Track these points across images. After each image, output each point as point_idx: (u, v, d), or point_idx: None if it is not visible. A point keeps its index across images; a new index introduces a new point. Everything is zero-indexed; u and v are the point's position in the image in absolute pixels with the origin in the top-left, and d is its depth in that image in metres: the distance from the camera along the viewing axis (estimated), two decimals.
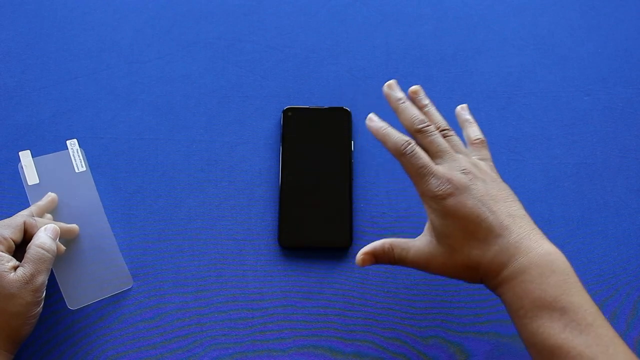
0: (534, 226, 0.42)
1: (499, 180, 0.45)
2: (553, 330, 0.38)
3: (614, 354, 0.37)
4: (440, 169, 0.43)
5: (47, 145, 0.58)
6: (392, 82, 0.48)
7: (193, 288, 0.54)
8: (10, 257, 0.46)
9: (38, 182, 0.52)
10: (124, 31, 0.63)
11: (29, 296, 0.45)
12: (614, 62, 0.63)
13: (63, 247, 0.51)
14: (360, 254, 0.46)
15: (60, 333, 0.52)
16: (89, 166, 0.54)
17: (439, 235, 0.43)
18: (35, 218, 0.50)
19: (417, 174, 0.43)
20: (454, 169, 0.43)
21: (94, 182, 0.54)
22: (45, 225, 0.49)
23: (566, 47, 0.64)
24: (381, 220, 0.57)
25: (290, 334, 0.53)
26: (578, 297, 0.39)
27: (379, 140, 0.45)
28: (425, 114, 0.48)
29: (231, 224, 0.56)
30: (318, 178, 0.57)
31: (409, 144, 0.44)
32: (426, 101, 0.49)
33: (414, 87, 0.49)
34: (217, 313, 0.53)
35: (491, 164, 0.47)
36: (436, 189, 0.42)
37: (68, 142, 0.54)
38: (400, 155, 0.44)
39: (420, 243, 0.44)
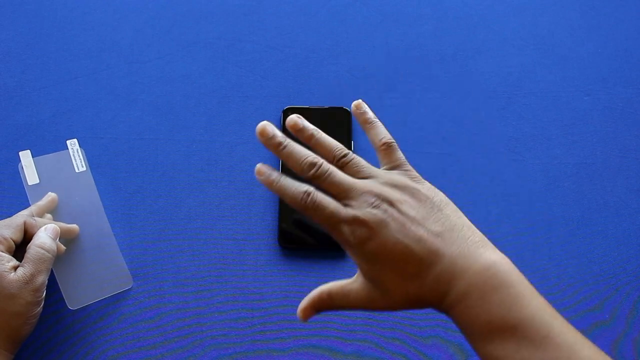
0: (467, 234, 0.38)
1: (419, 188, 0.40)
2: (507, 351, 0.35)
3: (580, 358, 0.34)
4: (349, 212, 0.38)
5: (47, 145, 0.58)
6: (264, 126, 0.41)
7: (193, 288, 0.54)
8: (11, 257, 0.46)
9: (38, 182, 0.52)
10: (124, 31, 0.63)
11: (29, 296, 0.45)
12: (614, 62, 0.63)
13: (63, 247, 0.51)
14: (299, 310, 0.41)
15: (61, 333, 0.52)
16: (89, 166, 0.54)
17: (371, 279, 0.38)
18: (36, 218, 0.50)
19: (328, 225, 0.38)
20: (364, 206, 0.38)
21: (94, 182, 0.54)
22: (45, 225, 0.49)
23: (566, 47, 0.64)
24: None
25: (290, 334, 0.53)
26: (526, 309, 0.36)
27: (276, 194, 0.40)
28: (313, 146, 0.42)
29: (231, 224, 0.56)
30: None
31: (308, 195, 0.38)
32: (308, 131, 0.43)
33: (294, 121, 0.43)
34: (217, 313, 0.53)
35: (407, 168, 0.42)
36: (351, 237, 0.37)
37: (68, 142, 0.54)
38: (302, 209, 0.38)
39: (358, 286, 0.39)
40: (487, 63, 0.63)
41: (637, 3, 0.66)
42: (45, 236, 0.48)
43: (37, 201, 0.51)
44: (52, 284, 0.51)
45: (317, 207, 0.38)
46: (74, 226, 0.52)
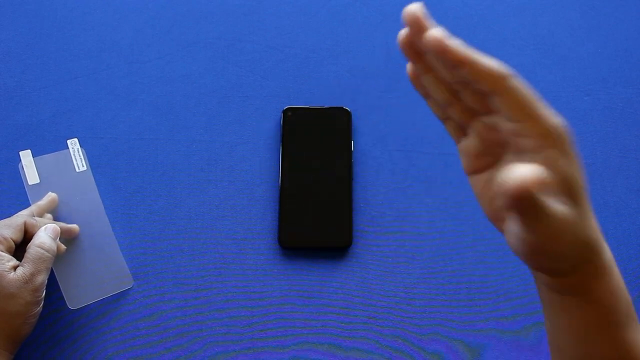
0: None
1: None
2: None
3: None
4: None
5: (47, 145, 0.58)
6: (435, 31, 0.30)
7: (193, 287, 0.54)
8: (10, 257, 0.46)
9: (38, 181, 0.52)
10: (124, 31, 0.63)
11: (28, 296, 0.45)
12: (614, 62, 0.63)
13: (63, 247, 0.51)
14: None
15: (60, 331, 0.52)
16: (90, 165, 0.54)
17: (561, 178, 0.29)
18: (36, 218, 0.50)
19: (533, 105, 0.29)
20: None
21: (95, 181, 0.54)
22: (46, 225, 0.49)
23: (566, 47, 0.64)
24: (381, 220, 0.57)
25: (290, 333, 0.53)
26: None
27: (459, 62, 0.30)
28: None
29: (231, 224, 0.56)
30: (318, 178, 0.57)
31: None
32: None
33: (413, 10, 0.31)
34: (217, 312, 0.53)
35: None
36: (560, 128, 0.29)
37: (69, 141, 0.54)
38: (506, 78, 0.29)
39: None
40: None
41: (637, 3, 0.66)
42: (45, 236, 0.48)
43: (37, 201, 0.51)
44: (52, 283, 0.51)
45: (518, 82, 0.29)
46: (74, 226, 0.52)
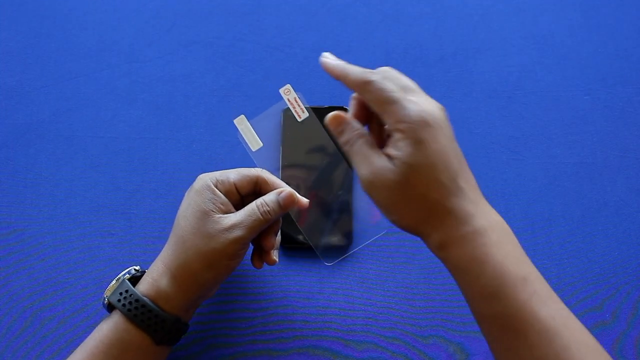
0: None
1: None
2: (517, 301, 0.34)
3: (574, 330, 0.35)
4: (414, 96, 0.38)
5: (47, 144, 0.58)
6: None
7: None
8: (227, 201, 0.45)
9: (262, 145, 0.48)
10: (124, 31, 0.63)
11: (222, 244, 0.43)
12: (614, 62, 0.63)
13: (305, 201, 0.48)
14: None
15: (66, 334, 0.52)
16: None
17: (405, 161, 0.37)
18: (274, 178, 0.47)
19: (389, 100, 0.37)
20: (430, 102, 0.38)
21: (94, 181, 0.54)
22: (283, 189, 0.46)
23: (566, 47, 0.64)
24: (381, 220, 0.57)
25: (290, 334, 0.53)
26: (533, 268, 0.36)
27: (338, 79, 0.40)
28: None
29: None
30: (318, 178, 0.57)
31: (378, 71, 0.39)
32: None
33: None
34: (217, 313, 0.53)
35: None
36: (414, 114, 0.36)
37: (281, 90, 0.48)
38: (366, 83, 0.38)
39: (381, 160, 0.38)
40: (487, 63, 0.63)
41: (637, 3, 0.66)
42: (272, 197, 0.45)
43: (264, 165, 0.49)
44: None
45: (383, 80, 0.38)
46: (305, 201, 0.48)
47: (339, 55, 0.63)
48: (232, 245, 0.43)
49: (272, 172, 0.49)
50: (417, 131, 0.36)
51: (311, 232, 0.52)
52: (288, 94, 0.48)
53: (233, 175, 0.46)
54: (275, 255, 0.48)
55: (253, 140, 0.49)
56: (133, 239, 0.55)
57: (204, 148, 0.59)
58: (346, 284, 0.55)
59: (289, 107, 0.59)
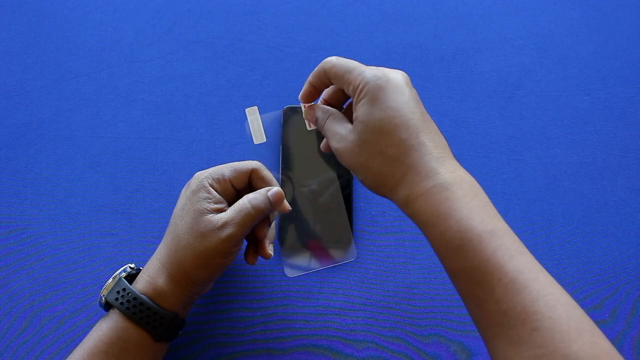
0: (446, 145, 0.40)
1: None
2: (483, 254, 0.34)
3: (544, 283, 0.34)
4: (373, 67, 0.41)
5: (47, 144, 0.58)
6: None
7: None
8: (221, 198, 0.45)
9: (265, 140, 0.49)
10: (125, 30, 0.63)
11: (215, 242, 0.43)
12: (614, 62, 0.63)
13: (288, 207, 0.48)
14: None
15: (66, 334, 0.52)
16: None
17: (362, 121, 0.39)
18: (267, 173, 0.47)
19: (347, 68, 0.41)
20: (390, 69, 0.41)
21: (94, 181, 0.54)
22: (272, 187, 0.47)
23: (566, 47, 0.64)
24: (381, 219, 0.57)
25: (290, 334, 0.53)
26: (502, 223, 0.36)
27: (312, 84, 0.45)
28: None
29: None
30: (318, 177, 0.57)
31: (332, 57, 0.43)
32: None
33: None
34: (217, 312, 0.53)
35: None
36: (369, 75, 0.39)
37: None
38: (326, 62, 0.42)
39: (351, 127, 0.41)
40: (487, 62, 0.63)
41: (637, 3, 0.66)
42: (261, 193, 0.46)
43: (262, 159, 0.49)
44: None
45: (340, 60, 0.42)
46: (288, 207, 0.48)
47: (339, 55, 0.63)
48: (224, 243, 0.44)
49: (269, 169, 0.49)
50: (372, 91, 0.38)
51: (285, 242, 0.54)
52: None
53: (227, 171, 0.47)
54: (270, 249, 0.48)
55: (258, 133, 0.49)
56: (133, 239, 0.55)
57: (204, 148, 0.59)
58: (346, 284, 0.55)
59: (288, 107, 0.59)
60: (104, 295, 0.45)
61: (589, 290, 0.54)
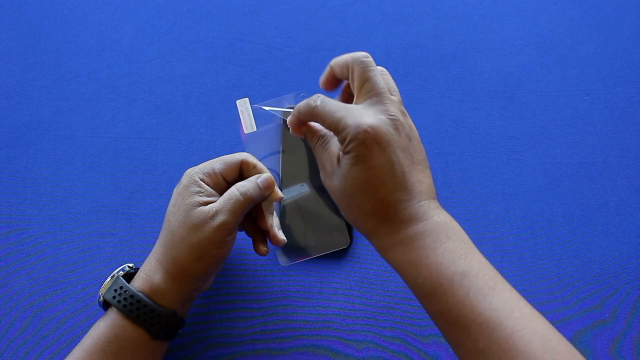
0: (434, 196, 0.41)
1: (418, 139, 0.42)
2: (455, 297, 0.36)
3: (519, 318, 0.35)
4: (357, 111, 0.40)
5: (47, 144, 0.58)
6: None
7: None
8: (213, 192, 0.46)
9: (254, 129, 0.50)
10: (125, 31, 0.63)
11: (208, 232, 0.43)
12: (614, 62, 0.63)
13: (280, 195, 0.48)
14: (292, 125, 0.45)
15: (66, 334, 0.52)
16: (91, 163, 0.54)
17: (344, 175, 0.40)
18: (257, 163, 0.48)
19: (333, 121, 0.40)
20: (375, 114, 0.39)
21: (94, 181, 0.54)
22: (261, 174, 0.47)
23: (566, 47, 0.64)
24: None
25: (290, 334, 0.53)
26: (476, 262, 0.37)
27: (300, 118, 0.44)
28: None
29: None
30: (318, 177, 0.57)
31: (318, 96, 0.42)
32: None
33: None
34: (217, 312, 0.53)
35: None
36: (353, 132, 0.38)
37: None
38: (313, 109, 0.41)
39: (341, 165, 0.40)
40: (487, 63, 0.63)
41: (637, 3, 0.66)
42: (251, 181, 0.46)
43: (252, 150, 0.49)
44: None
45: (325, 102, 0.41)
46: (280, 195, 0.49)
47: (338, 55, 0.63)
48: (217, 232, 0.44)
49: (260, 159, 0.49)
50: (356, 149, 0.38)
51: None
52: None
53: (218, 165, 0.47)
54: (281, 234, 0.48)
55: (248, 123, 0.51)
56: (133, 239, 0.55)
57: (204, 148, 0.59)
58: (346, 284, 0.55)
59: (288, 107, 0.59)
60: (102, 294, 0.45)
61: (589, 290, 0.54)
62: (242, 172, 0.48)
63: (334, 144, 0.42)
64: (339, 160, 0.40)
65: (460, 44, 0.64)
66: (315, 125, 0.44)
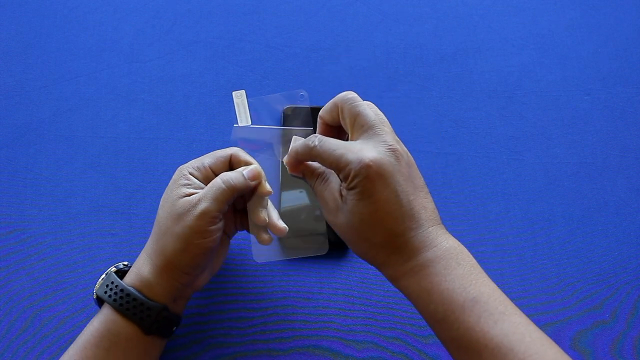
0: (440, 221, 0.41)
1: (415, 166, 0.42)
2: (467, 323, 0.37)
3: (530, 342, 0.36)
4: (357, 146, 0.40)
5: (47, 144, 0.58)
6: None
7: None
8: (201, 185, 0.45)
9: (249, 123, 0.51)
10: (125, 30, 0.63)
11: (191, 220, 0.43)
12: (614, 62, 0.63)
13: (268, 189, 0.48)
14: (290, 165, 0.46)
15: (66, 334, 0.52)
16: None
17: (351, 210, 0.40)
18: (246, 156, 0.48)
19: (333, 159, 0.40)
20: (375, 148, 0.40)
21: (94, 181, 0.54)
22: (247, 166, 0.47)
23: (566, 47, 0.64)
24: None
25: (290, 334, 0.53)
26: (486, 287, 0.38)
27: (298, 158, 0.44)
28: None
29: None
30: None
31: (316, 136, 0.42)
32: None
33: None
34: (217, 313, 0.53)
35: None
36: (355, 169, 0.39)
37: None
38: (312, 150, 0.42)
39: (346, 203, 0.41)
40: (487, 62, 0.63)
41: (637, 3, 0.66)
42: (237, 171, 0.46)
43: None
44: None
45: (324, 143, 0.41)
46: (269, 189, 0.48)
47: (339, 55, 0.63)
48: (199, 220, 0.43)
49: (252, 155, 0.49)
50: (361, 184, 0.39)
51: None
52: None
53: (208, 159, 0.47)
54: (280, 223, 0.48)
55: (243, 116, 0.51)
56: (133, 239, 0.55)
57: (204, 148, 0.59)
58: (346, 284, 0.55)
59: (288, 107, 0.59)
60: (95, 291, 0.45)
61: (589, 291, 0.54)
62: (232, 166, 0.48)
63: (334, 181, 0.43)
64: (341, 196, 0.41)
65: (460, 44, 0.64)
66: (313, 163, 0.45)
